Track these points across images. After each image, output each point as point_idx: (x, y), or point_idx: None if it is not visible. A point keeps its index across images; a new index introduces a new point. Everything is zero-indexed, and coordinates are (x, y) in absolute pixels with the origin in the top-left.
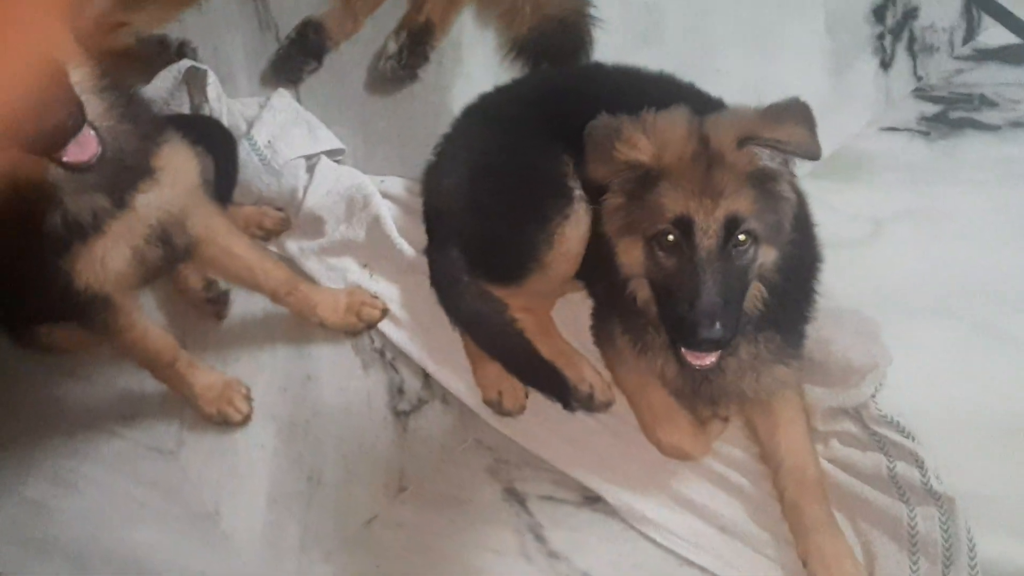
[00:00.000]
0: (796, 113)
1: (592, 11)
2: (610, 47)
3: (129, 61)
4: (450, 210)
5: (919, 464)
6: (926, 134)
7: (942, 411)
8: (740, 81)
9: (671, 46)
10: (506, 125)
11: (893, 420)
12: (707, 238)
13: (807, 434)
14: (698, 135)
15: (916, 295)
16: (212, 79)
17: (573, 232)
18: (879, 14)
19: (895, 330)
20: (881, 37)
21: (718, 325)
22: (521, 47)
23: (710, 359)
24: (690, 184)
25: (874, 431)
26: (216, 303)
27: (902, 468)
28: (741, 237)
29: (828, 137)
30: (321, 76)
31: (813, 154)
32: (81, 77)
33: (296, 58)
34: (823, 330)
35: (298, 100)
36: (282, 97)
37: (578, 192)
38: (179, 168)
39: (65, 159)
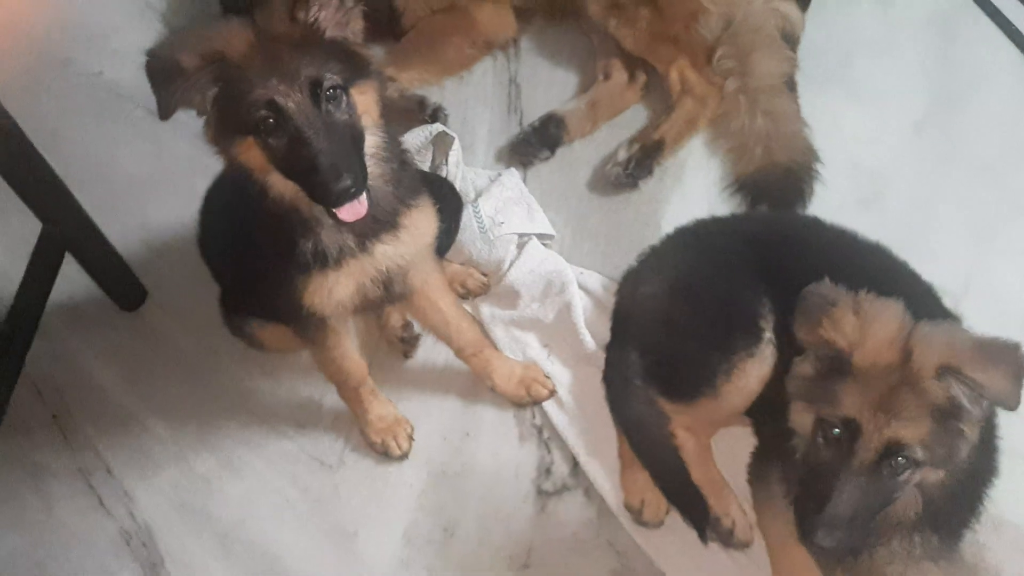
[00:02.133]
0: (1009, 360)
1: (818, 166)
2: (828, 204)
3: (389, 112)
4: (639, 316)
5: None
6: None
7: None
8: (952, 270)
9: (889, 217)
10: (714, 254)
11: None
12: (865, 452)
13: None
14: (903, 345)
15: None
16: (456, 146)
17: (754, 371)
18: None
19: None
20: None
21: (838, 535)
22: (742, 184)
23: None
24: (874, 393)
25: None
26: (407, 343)
27: None
28: (900, 460)
29: None
30: (550, 165)
31: (1009, 406)
32: (375, 145)
33: (533, 144)
34: (981, 534)
35: (524, 181)
36: (512, 176)
37: (768, 335)
38: (421, 229)
39: (336, 211)
